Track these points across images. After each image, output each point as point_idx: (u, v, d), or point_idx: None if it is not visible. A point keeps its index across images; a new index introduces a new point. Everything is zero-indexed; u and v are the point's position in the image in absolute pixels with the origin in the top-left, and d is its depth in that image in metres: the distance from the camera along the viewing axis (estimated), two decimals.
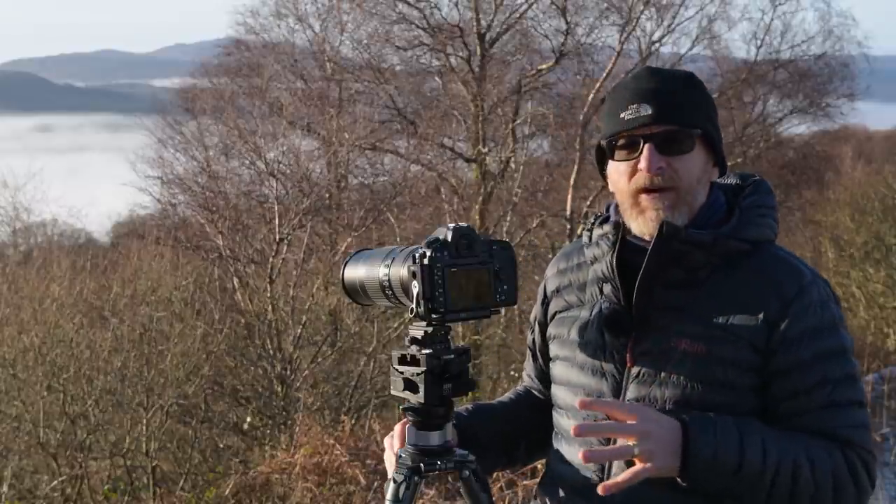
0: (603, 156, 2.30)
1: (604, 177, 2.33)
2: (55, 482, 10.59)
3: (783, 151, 27.77)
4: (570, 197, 19.01)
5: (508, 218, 18.28)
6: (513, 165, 19.03)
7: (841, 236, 19.89)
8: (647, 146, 2.18)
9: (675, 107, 2.19)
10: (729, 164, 2.37)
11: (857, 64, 25.28)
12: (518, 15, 21.03)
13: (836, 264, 19.34)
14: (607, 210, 2.37)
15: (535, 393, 2.54)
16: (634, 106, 2.19)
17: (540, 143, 22.27)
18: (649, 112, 2.17)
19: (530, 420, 2.48)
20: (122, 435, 11.11)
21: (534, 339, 2.51)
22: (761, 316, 2.13)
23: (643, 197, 2.20)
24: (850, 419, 2.13)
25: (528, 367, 2.57)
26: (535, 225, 18.62)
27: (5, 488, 10.39)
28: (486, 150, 19.28)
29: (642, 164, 2.18)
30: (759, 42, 24.00)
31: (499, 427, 2.39)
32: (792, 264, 2.21)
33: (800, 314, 2.13)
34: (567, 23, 20.78)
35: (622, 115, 2.20)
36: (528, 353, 2.55)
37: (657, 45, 22.86)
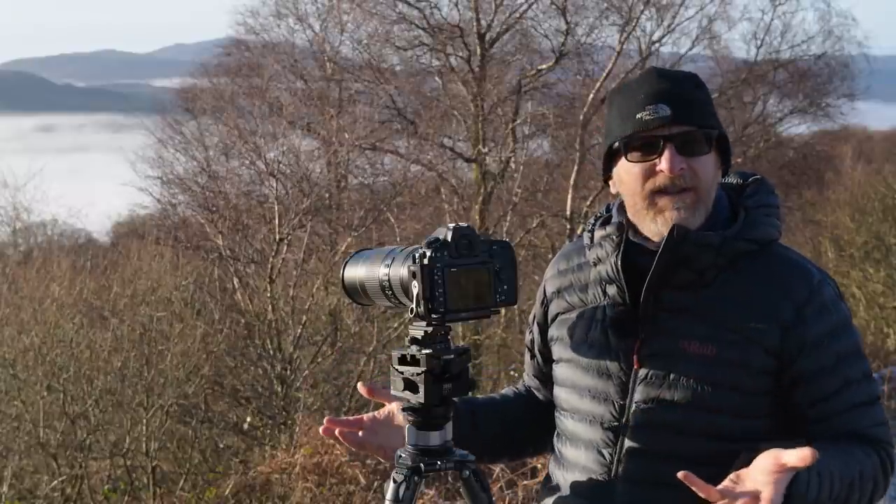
0: (610, 158, 2.27)
1: (606, 178, 2.30)
2: (55, 482, 10.59)
3: (783, 151, 27.76)
4: (570, 197, 18.99)
5: (508, 218, 18.26)
6: (513, 165, 19.02)
7: (841, 236, 19.88)
8: (668, 147, 2.15)
9: (691, 108, 2.18)
10: None
11: (857, 64, 25.30)
12: (518, 15, 21.02)
13: (836, 264, 19.32)
14: (607, 210, 2.36)
15: (535, 392, 2.54)
16: (652, 106, 2.16)
17: (540, 143, 22.27)
18: (668, 112, 2.15)
19: (526, 419, 2.49)
20: (122, 435, 11.10)
21: (532, 339, 2.50)
22: (773, 318, 2.13)
23: (662, 198, 2.17)
24: (874, 418, 2.16)
25: (527, 366, 2.56)
26: (535, 225, 18.60)
27: (5, 488, 10.38)
28: (486, 150, 19.26)
29: (664, 165, 2.15)
30: (759, 42, 24.02)
31: (498, 421, 2.39)
32: (800, 264, 2.21)
33: (816, 317, 2.14)
34: (567, 23, 20.77)
35: (639, 116, 2.17)
36: (527, 351, 2.54)
37: (657, 45, 22.83)
